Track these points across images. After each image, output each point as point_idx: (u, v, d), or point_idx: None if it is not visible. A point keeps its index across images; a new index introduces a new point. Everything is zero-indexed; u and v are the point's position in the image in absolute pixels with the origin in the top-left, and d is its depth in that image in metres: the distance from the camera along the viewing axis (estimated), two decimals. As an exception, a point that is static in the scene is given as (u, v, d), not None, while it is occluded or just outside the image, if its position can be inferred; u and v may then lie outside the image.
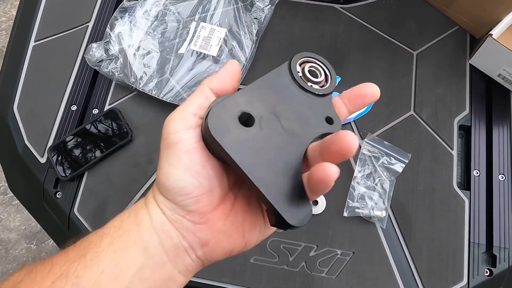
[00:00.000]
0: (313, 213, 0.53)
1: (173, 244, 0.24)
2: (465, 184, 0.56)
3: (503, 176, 0.55)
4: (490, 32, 0.54)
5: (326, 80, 0.27)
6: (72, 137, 0.57)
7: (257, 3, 0.61)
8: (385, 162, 0.54)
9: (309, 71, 0.27)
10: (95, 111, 0.60)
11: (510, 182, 0.54)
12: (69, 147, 0.57)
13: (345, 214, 0.53)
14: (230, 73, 0.27)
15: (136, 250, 0.24)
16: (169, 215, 0.24)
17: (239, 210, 0.26)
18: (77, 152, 0.57)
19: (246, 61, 0.59)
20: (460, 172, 0.56)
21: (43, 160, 0.57)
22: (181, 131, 0.24)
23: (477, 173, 0.55)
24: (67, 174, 0.55)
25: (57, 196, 0.56)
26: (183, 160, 0.24)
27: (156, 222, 0.24)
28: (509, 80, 0.56)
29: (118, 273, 0.23)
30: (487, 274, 0.51)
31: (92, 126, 0.58)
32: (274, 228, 0.26)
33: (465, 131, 0.58)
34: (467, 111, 0.58)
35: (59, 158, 0.56)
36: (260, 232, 0.27)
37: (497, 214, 0.53)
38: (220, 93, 0.26)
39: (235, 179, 0.27)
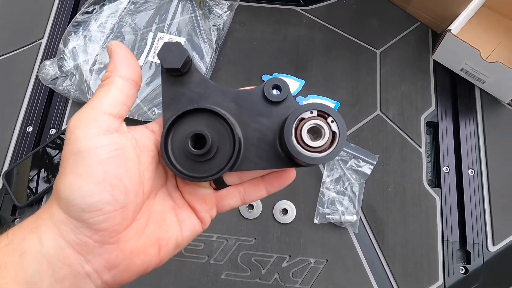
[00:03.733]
0: (283, 222, 0.52)
1: (72, 271, 0.20)
2: (436, 181, 0.55)
3: (472, 170, 0.54)
4: (449, 28, 0.53)
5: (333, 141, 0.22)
6: (28, 160, 0.55)
7: (216, 9, 0.60)
8: (353, 164, 0.53)
9: (310, 128, 0.22)
10: (53, 131, 0.57)
11: (479, 177, 0.54)
12: (25, 171, 0.54)
13: (315, 221, 0.51)
14: (129, 54, 0.23)
15: (14, 287, 0.20)
16: (68, 238, 0.20)
17: (154, 225, 0.23)
18: (34, 175, 0.54)
19: (206, 70, 0.57)
20: (430, 169, 0.56)
21: (-2, 186, 0.54)
22: (94, 137, 0.20)
23: (447, 169, 0.55)
24: (25, 200, 0.52)
25: (15, 223, 0.53)
26: (96, 171, 0.20)
27: (49, 248, 0.20)
28: (472, 74, 0.56)
29: None
30: (463, 272, 0.50)
31: (49, 147, 0.55)
32: (190, 239, 0.25)
33: (433, 128, 0.58)
34: (433, 107, 0.57)
35: (15, 183, 0.53)
36: (176, 246, 0.24)
37: (469, 210, 0.52)
38: (134, 79, 0.23)
39: (151, 189, 0.24)
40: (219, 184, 0.26)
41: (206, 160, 0.23)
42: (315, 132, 0.22)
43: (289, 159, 0.23)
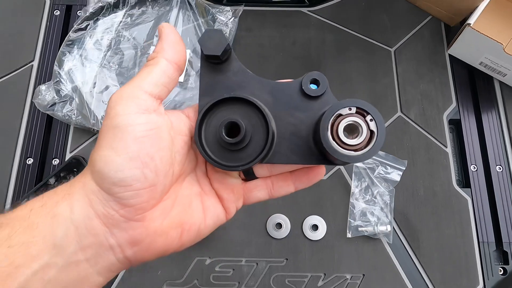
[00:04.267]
0: (313, 238, 0.49)
1: (96, 241, 0.21)
2: (464, 181, 0.54)
3: (500, 167, 0.53)
4: (468, 22, 0.51)
5: (370, 140, 0.21)
6: (32, 195, 0.50)
7: (219, 17, 0.56)
8: (382, 172, 0.50)
9: (347, 125, 0.21)
10: (56, 162, 0.53)
11: (508, 172, 0.53)
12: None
13: (348, 235, 0.49)
14: (177, 38, 0.23)
15: (42, 247, 0.20)
16: (97, 209, 0.21)
17: (180, 208, 0.23)
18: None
19: (217, 83, 0.54)
20: (457, 169, 0.54)
21: (1, 227, 0.50)
22: (133, 114, 0.21)
23: (474, 168, 0.53)
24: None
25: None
26: (130, 147, 0.20)
27: (78, 216, 0.21)
28: (492, 68, 0.54)
29: (11, 271, 0.19)
30: (501, 273, 0.49)
31: (54, 180, 0.51)
32: (212, 228, 0.25)
33: (455, 125, 0.56)
34: (454, 104, 0.56)
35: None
36: (198, 232, 0.24)
37: (501, 208, 0.51)
38: (178, 64, 0.23)
39: (180, 173, 0.24)
40: (249, 175, 0.26)
41: (238, 150, 0.22)
42: (352, 130, 0.21)
43: (322, 156, 0.23)
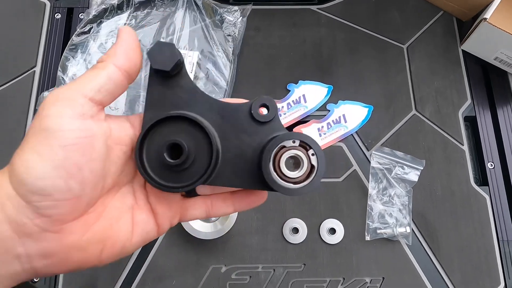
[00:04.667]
0: (331, 242, 0.48)
1: (1, 248, 0.19)
2: (481, 179, 0.53)
3: (518, 163, 0.52)
4: (484, 16, 0.50)
5: (310, 173, 0.21)
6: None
7: (227, 17, 0.54)
8: (399, 172, 0.49)
9: (289, 158, 0.21)
10: (62, 171, 0.51)
11: (526, 169, 0.52)
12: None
13: (367, 238, 0.48)
14: (133, 45, 0.22)
15: None
16: (9, 214, 0.19)
17: (105, 222, 0.22)
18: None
19: (227, 85, 0.52)
20: (474, 167, 0.53)
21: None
22: (66, 118, 0.19)
23: (492, 165, 0.52)
24: (43, 252, 0.47)
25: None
26: (56, 154, 0.19)
27: None
28: (507, 63, 0.53)
29: None
30: (522, 272, 0.48)
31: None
32: (139, 246, 0.23)
33: (471, 122, 0.55)
34: (469, 100, 0.55)
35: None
36: (122, 250, 0.22)
37: (520, 206, 0.50)
38: (128, 71, 0.22)
39: (113, 185, 0.22)
40: (190, 193, 0.25)
41: (181, 170, 0.22)
42: (294, 163, 0.22)
43: (264, 182, 0.22)
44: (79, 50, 0.54)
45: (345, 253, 0.48)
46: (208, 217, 0.25)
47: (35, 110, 0.53)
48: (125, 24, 0.55)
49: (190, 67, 0.53)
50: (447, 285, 0.47)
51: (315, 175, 0.21)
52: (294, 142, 0.21)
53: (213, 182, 0.23)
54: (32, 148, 0.19)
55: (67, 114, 0.19)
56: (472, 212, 0.50)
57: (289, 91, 0.54)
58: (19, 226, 0.19)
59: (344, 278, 0.47)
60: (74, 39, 0.54)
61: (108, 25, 0.55)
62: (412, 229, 0.49)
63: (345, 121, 0.52)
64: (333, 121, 0.53)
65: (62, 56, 0.53)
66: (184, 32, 0.55)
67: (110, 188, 0.22)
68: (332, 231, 0.48)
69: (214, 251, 0.48)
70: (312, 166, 0.21)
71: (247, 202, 0.25)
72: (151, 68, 0.22)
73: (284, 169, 0.21)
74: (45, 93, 0.50)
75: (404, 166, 0.50)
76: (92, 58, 0.54)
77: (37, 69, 0.55)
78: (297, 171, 0.21)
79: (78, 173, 0.19)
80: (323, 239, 0.48)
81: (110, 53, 0.21)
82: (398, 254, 0.48)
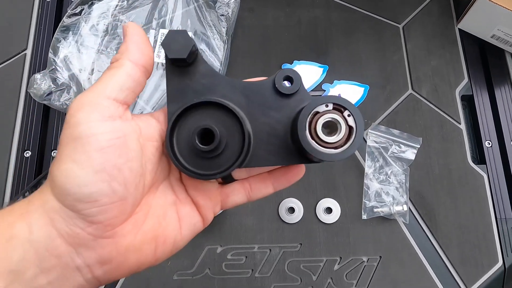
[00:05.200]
0: (327, 222, 0.48)
1: (60, 263, 0.19)
2: (479, 157, 0.52)
3: (516, 142, 0.51)
4: (480, -8, 0.49)
5: (349, 137, 0.21)
6: (33, 189, 0.48)
7: (220, -3, 0.54)
8: (395, 151, 0.49)
9: (325, 123, 0.21)
10: (55, 153, 0.51)
11: (524, 147, 0.51)
12: (31, 202, 0.48)
13: (364, 216, 0.47)
14: (143, 38, 0.21)
15: None
16: (60, 228, 0.19)
17: (153, 220, 0.22)
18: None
19: (221, 65, 0.52)
20: (471, 146, 0.52)
21: (1, 223, 0.47)
22: (95, 122, 0.19)
23: (489, 143, 0.52)
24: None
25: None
26: (94, 159, 0.19)
27: (38, 237, 0.19)
28: (505, 40, 0.52)
29: None
30: (521, 249, 0.47)
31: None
32: (189, 239, 0.23)
33: (468, 101, 0.55)
34: (466, 79, 0.54)
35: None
36: (174, 245, 0.22)
37: (518, 184, 0.50)
38: (145, 66, 0.21)
39: (153, 182, 0.22)
40: (226, 178, 0.24)
41: (214, 156, 0.21)
42: (331, 127, 0.21)
43: (301, 155, 0.22)
44: (70, 32, 0.53)
45: (341, 233, 0.47)
46: (250, 200, 0.25)
47: (26, 93, 0.52)
48: (116, 6, 0.55)
49: (183, 48, 0.52)
50: (444, 263, 0.47)
51: (355, 136, 0.20)
52: (327, 106, 0.20)
53: (248, 164, 0.22)
54: (69, 157, 0.19)
55: (96, 118, 0.19)
56: (469, 191, 0.49)
57: (284, 71, 0.53)
58: (73, 238, 0.19)
59: (341, 258, 0.47)
60: (65, 20, 0.53)
61: (99, 6, 0.54)
62: (409, 207, 0.48)
63: (341, 101, 0.52)
64: (328, 101, 0.52)
65: (53, 38, 0.52)
66: (177, 14, 0.54)
67: (150, 186, 0.22)
68: (329, 210, 0.48)
69: (210, 232, 0.47)
70: (350, 128, 0.20)
71: (286, 179, 0.24)
72: (167, 59, 0.22)
73: (322, 135, 0.20)
74: (37, 75, 0.50)
75: (401, 145, 0.49)
76: (84, 39, 0.53)
77: (28, 51, 0.54)
78: (335, 135, 0.20)
79: (119, 174, 0.19)
80: (320, 218, 0.48)
81: (123, 50, 0.21)
82: (395, 232, 0.48)
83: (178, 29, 0.23)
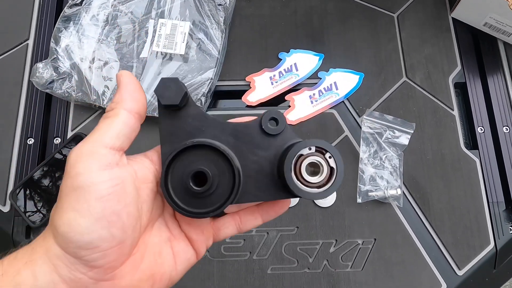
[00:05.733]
0: (324, 206, 0.49)
1: None
2: (472, 143, 0.53)
3: (507, 127, 0.53)
4: (472, -20, 0.50)
5: (330, 177, 0.22)
6: (36, 175, 0.49)
7: (218, -13, 0.55)
8: (389, 136, 0.50)
9: (308, 164, 0.22)
10: (57, 141, 0.52)
11: (515, 133, 0.52)
12: (34, 187, 0.49)
13: (358, 200, 0.48)
14: (136, 86, 0.23)
15: None
16: (63, 274, 0.20)
17: (150, 259, 0.23)
18: (45, 191, 0.49)
19: (219, 54, 0.53)
20: (464, 131, 0.54)
21: (5, 208, 0.49)
22: (95, 172, 0.20)
23: (482, 129, 0.53)
24: (39, 220, 0.47)
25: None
26: (94, 208, 0.20)
27: (43, 283, 0.20)
28: (497, 28, 0.53)
29: None
30: (512, 232, 0.49)
31: (57, 157, 0.50)
32: (184, 273, 0.25)
33: (461, 89, 0.56)
34: (459, 67, 0.55)
35: (25, 202, 0.48)
36: (170, 280, 0.24)
37: (509, 168, 0.51)
38: (139, 113, 0.23)
39: (148, 222, 0.23)
40: (218, 214, 0.25)
41: (207, 195, 0.22)
42: (314, 166, 0.22)
43: (287, 190, 0.23)
44: (71, 22, 0.54)
45: (337, 216, 0.49)
46: (240, 232, 0.26)
47: (29, 81, 0.53)
48: (116, -4, 0.56)
49: (182, 37, 0.54)
50: (437, 245, 0.48)
51: (336, 175, 0.22)
52: (310, 149, 0.22)
53: (239, 200, 0.23)
54: (71, 207, 0.20)
55: (95, 168, 0.20)
56: (462, 175, 0.50)
57: (281, 59, 0.54)
58: (75, 283, 0.20)
59: (336, 240, 0.48)
60: (66, 11, 0.54)
61: (100, -3, 0.55)
62: (403, 191, 0.49)
63: (336, 88, 0.53)
64: (324, 88, 0.53)
65: (55, 28, 0.53)
66: (175, 4, 0.56)
67: (146, 225, 0.23)
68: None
69: (208, 216, 0.48)
70: (332, 168, 0.22)
71: (273, 211, 0.26)
72: (159, 105, 0.23)
73: (306, 176, 0.22)
74: (39, 64, 0.51)
75: (395, 130, 0.50)
76: (85, 29, 0.54)
77: (30, 41, 0.55)
78: (318, 176, 0.22)
79: (118, 220, 0.20)
80: (316, 202, 0.49)
81: (118, 100, 0.22)
82: (390, 216, 0.49)
83: (170, 77, 0.25)
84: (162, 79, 0.23)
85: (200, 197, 0.22)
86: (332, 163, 0.22)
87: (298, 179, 0.22)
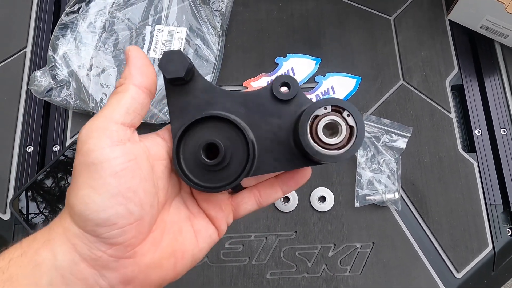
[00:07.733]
0: (322, 210, 0.49)
1: (86, 286, 0.20)
2: (469, 146, 0.53)
3: (505, 130, 0.53)
4: (468, -17, 0.50)
5: (350, 137, 0.21)
6: (38, 181, 0.49)
7: (214, -7, 0.55)
8: (387, 140, 0.50)
9: (326, 125, 0.21)
10: (56, 148, 0.52)
11: (513, 135, 0.52)
12: (35, 195, 0.49)
13: (356, 204, 0.49)
14: (146, 61, 0.22)
15: None
16: (83, 252, 0.20)
17: (170, 236, 0.22)
18: (46, 199, 0.49)
19: (216, 59, 0.53)
20: (462, 134, 0.54)
21: (6, 216, 0.49)
22: (107, 148, 0.20)
23: (479, 132, 0.53)
24: (40, 228, 0.48)
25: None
26: (109, 184, 0.19)
27: (63, 262, 0.20)
28: (493, 30, 0.53)
29: None
30: (510, 234, 0.49)
31: (57, 166, 0.50)
32: (207, 251, 0.24)
33: (458, 91, 0.56)
34: (456, 69, 0.55)
35: (25, 210, 0.48)
36: (193, 258, 0.23)
37: (507, 170, 0.51)
38: (148, 88, 0.22)
39: (166, 199, 0.23)
40: (236, 188, 0.25)
41: (222, 168, 0.22)
42: (332, 128, 0.21)
43: (305, 158, 0.22)
44: (69, 29, 0.54)
45: (335, 220, 0.49)
46: (261, 206, 0.25)
47: (27, 89, 0.54)
48: (113, 3, 0.56)
49: (179, 43, 0.54)
50: (436, 248, 0.48)
51: (356, 134, 0.20)
52: (326, 108, 0.21)
53: (255, 172, 0.23)
54: (85, 184, 0.19)
55: (107, 144, 0.20)
56: (460, 178, 0.51)
57: (278, 64, 0.54)
58: (95, 261, 0.20)
59: (335, 244, 0.48)
60: (64, 18, 0.54)
61: (96, 4, 0.56)
62: (401, 195, 0.50)
63: (334, 92, 0.53)
64: (321, 92, 0.53)
65: (52, 36, 0.53)
66: (172, 10, 0.56)
67: (164, 203, 0.23)
68: (323, 199, 0.49)
69: (207, 222, 0.49)
70: (351, 127, 0.21)
71: (294, 181, 0.25)
72: (165, 80, 0.22)
73: (324, 137, 0.21)
74: (37, 72, 0.51)
75: (392, 134, 0.50)
76: (82, 36, 0.54)
77: (28, 49, 0.56)
78: (337, 136, 0.21)
79: (135, 196, 0.20)
80: (314, 207, 0.49)
81: (127, 75, 0.22)
82: (388, 220, 0.49)
83: (172, 49, 0.24)
84: (165, 52, 0.22)
85: (214, 171, 0.22)
86: (351, 121, 0.20)
87: (315, 142, 0.21)
